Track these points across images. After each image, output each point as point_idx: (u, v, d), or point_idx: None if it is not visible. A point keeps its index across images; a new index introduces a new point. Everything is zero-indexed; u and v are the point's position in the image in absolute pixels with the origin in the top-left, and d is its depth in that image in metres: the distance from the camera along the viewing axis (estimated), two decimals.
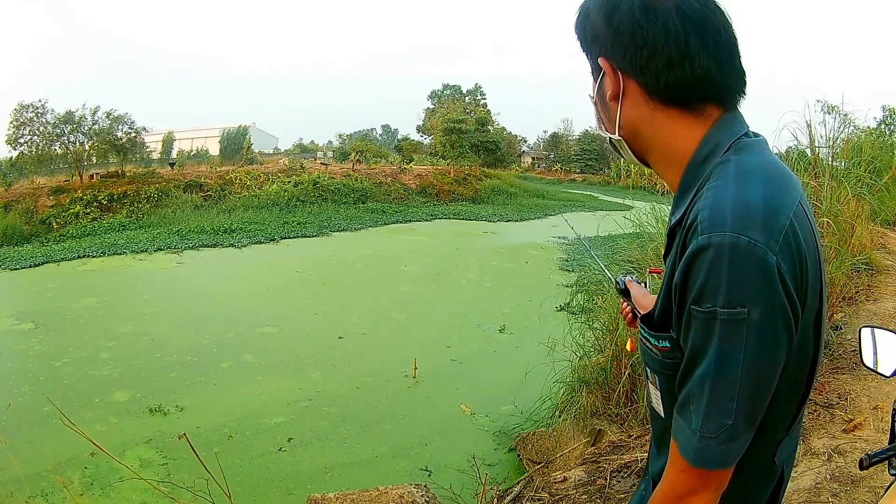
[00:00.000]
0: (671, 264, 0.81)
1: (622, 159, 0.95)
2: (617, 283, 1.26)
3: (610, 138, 0.90)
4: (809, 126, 5.39)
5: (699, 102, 0.81)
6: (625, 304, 1.21)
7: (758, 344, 0.70)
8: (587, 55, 0.90)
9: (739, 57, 0.82)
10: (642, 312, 1.08)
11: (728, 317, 0.69)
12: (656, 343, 0.83)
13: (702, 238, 0.71)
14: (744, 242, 0.69)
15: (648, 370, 0.89)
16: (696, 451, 0.74)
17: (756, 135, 0.83)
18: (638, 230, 5.23)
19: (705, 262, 0.70)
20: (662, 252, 0.97)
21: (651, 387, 0.90)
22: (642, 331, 0.87)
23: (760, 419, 0.75)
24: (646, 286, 1.24)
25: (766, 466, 0.87)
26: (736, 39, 0.82)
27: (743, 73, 0.82)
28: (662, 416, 0.88)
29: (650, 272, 1.33)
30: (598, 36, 0.86)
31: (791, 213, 0.73)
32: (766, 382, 0.73)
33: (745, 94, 0.83)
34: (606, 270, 1.55)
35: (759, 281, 0.69)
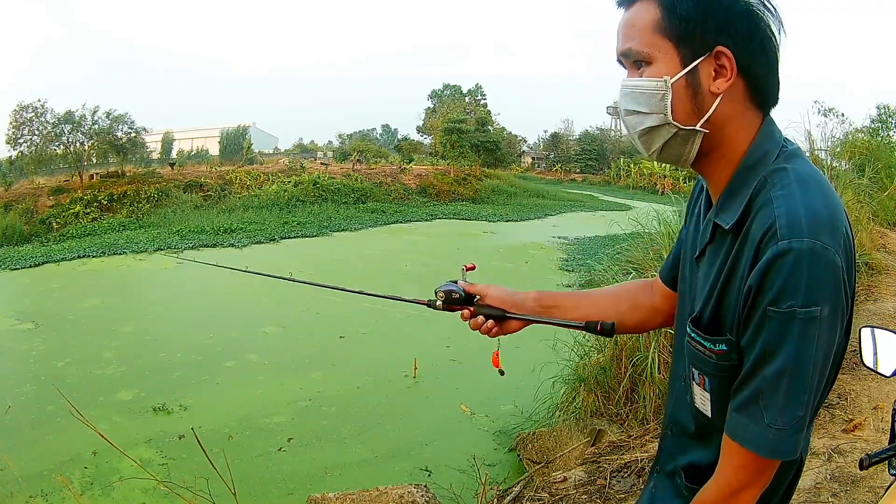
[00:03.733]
0: (721, 263, 0.85)
1: (644, 156, 0.91)
2: (451, 293, 1.14)
3: (681, 131, 0.85)
4: (809, 133, 5.42)
5: (772, 107, 0.88)
6: (468, 311, 1.15)
7: (827, 339, 0.76)
8: (683, 35, 0.82)
9: None
10: (509, 310, 1.14)
11: (805, 315, 0.74)
12: (712, 346, 0.86)
13: (782, 243, 0.75)
14: (819, 247, 0.74)
15: (695, 371, 0.91)
16: (771, 443, 0.78)
17: (791, 142, 0.88)
18: (641, 230, 5.23)
19: (786, 265, 0.74)
20: (693, 250, 0.97)
21: (697, 388, 0.91)
22: (693, 334, 0.89)
23: None
24: (464, 279, 1.20)
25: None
26: None
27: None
28: (709, 416, 0.90)
29: (466, 269, 1.24)
30: (725, 27, 0.81)
31: (845, 220, 0.79)
32: (825, 374, 0.79)
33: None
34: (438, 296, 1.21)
35: (830, 281, 0.75)
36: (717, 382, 0.87)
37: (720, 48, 0.82)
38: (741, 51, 0.82)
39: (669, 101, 0.83)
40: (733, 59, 0.82)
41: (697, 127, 0.84)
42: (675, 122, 0.84)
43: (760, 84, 0.85)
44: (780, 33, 0.85)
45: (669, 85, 0.83)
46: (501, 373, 1.21)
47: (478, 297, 1.18)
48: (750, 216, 0.81)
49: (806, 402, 0.76)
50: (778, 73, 0.86)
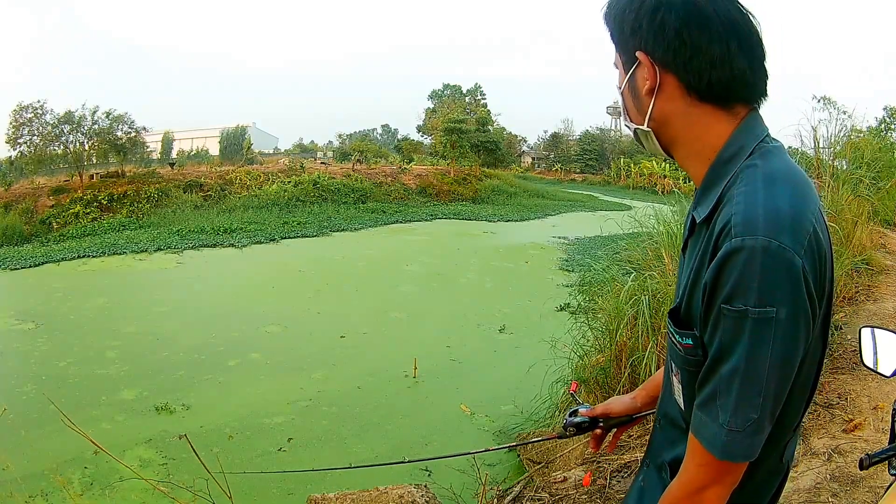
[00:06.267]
0: (695, 257, 0.86)
1: (644, 151, 0.97)
2: (580, 424, 1.23)
3: (636, 129, 0.92)
4: (815, 129, 5.43)
5: (733, 101, 0.85)
6: (598, 431, 1.23)
7: (784, 342, 0.74)
8: (618, 46, 0.91)
9: (766, 59, 0.86)
10: (634, 413, 1.23)
11: (759, 315, 0.73)
12: (680, 340, 0.86)
13: (735, 241, 0.74)
14: (774, 246, 0.72)
15: (672, 364, 0.92)
16: (724, 444, 0.77)
17: (774, 139, 0.87)
18: (640, 230, 5.23)
19: (738, 263, 0.73)
20: (681, 244, 1.00)
21: (674, 379, 0.93)
22: (669, 325, 0.89)
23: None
24: (578, 402, 1.31)
25: (774, 465, 0.90)
26: (763, 42, 0.86)
27: (768, 76, 0.87)
28: (683, 408, 0.91)
29: (572, 390, 1.43)
30: (638, 30, 0.85)
31: (813, 220, 0.77)
32: (787, 379, 0.77)
33: (767, 95, 0.88)
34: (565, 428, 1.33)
35: (787, 282, 0.73)
36: (687, 376, 0.87)
37: (638, 53, 0.86)
38: (656, 49, 0.84)
39: (622, 104, 0.94)
40: (649, 60, 0.85)
41: (644, 126, 0.90)
42: (629, 123, 0.94)
43: (695, 77, 0.82)
44: (727, 30, 0.81)
45: (621, 92, 0.93)
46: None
47: (602, 418, 1.24)
48: (718, 210, 0.82)
49: (760, 405, 0.74)
50: (735, 60, 0.82)
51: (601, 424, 1.23)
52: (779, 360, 0.74)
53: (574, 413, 1.25)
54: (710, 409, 0.78)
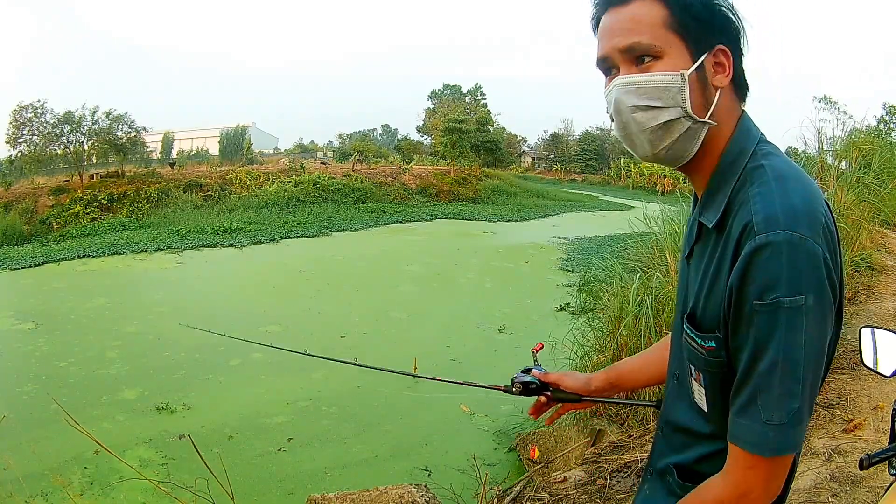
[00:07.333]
0: (708, 261, 0.87)
1: (630, 157, 0.92)
2: (528, 384, 1.20)
3: (695, 121, 0.85)
4: (819, 132, 5.44)
5: (744, 99, 0.91)
6: (544, 398, 1.21)
7: (815, 327, 0.76)
8: (694, 33, 0.84)
9: None
10: (584, 394, 1.21)
11: (790, 304, 0.75)
12: (702, 343, 0.87)
13: (759, 237, 0.76)
14: (797, 238, 0.75)
15: (692, 367, 0.92)
16: (770, 440, 0.78)
17: (766, 139, 0.89)
18: (643, 230, 5.23)
19: (765, 258, 0.75)
20: (683, 249, 1.00)
21: (694, 384, 0.93)
22: (688, 330, 0.90)
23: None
24: (536, 364, 1.27)
25: None
26: None
27: None
28: (705, 410, 0.91)
29: (535, 351, 1.35)
30: (726, 27, 0.86)
31: (824, 212, 0.80)
32: (819, 366, 0.79)
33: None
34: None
35: (812, 270, 0.75)
36: (710, 378, 0.88)
37: (721, 46, 0.86)
38: (733, 50, 0.87)
39: (687, 94, 0.84)
40: (731, 57, 0.86)
41: (707, 119, 0.85)
42: (692, 115, 0.84)
43: (741, 80, 0.89)
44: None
45: (686, 78, 0.83)
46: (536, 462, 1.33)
47: (552, 386, 1.23)
48: (731, 214, 0.83)
49: (801, 393, 0.76)
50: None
51: (548, 393, 1.21)
52: (812, 347, 0.76)
53: (528, 371, 1.23)
54: (752, 411, 0.78)
